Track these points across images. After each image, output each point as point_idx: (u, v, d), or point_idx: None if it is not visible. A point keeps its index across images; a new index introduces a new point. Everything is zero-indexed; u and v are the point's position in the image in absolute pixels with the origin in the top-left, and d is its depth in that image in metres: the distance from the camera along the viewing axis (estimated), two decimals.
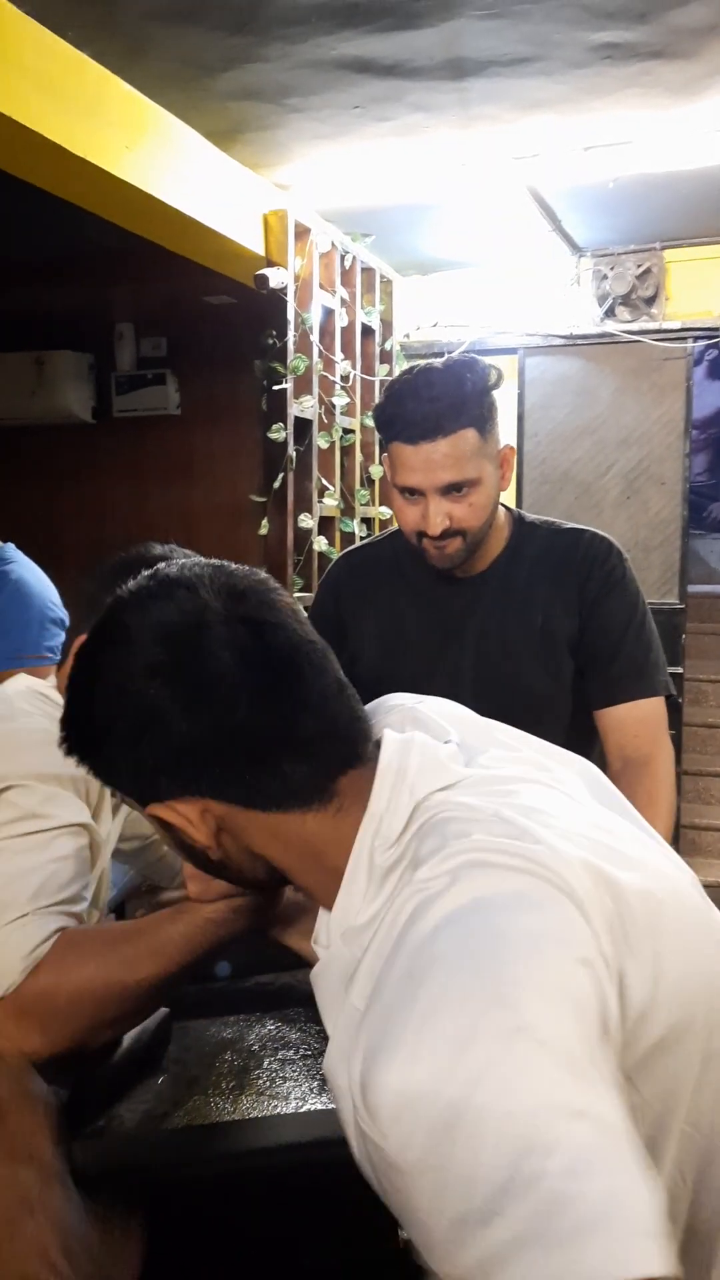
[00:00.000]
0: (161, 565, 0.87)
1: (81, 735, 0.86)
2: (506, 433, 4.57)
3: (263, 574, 0.87)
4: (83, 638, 1.41)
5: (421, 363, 1.77)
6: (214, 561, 0.87)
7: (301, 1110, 1.21)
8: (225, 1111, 1.21)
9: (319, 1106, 1.20)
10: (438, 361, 1.75)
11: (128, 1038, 1.26)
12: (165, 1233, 0.95)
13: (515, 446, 4.65)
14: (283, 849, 0.83)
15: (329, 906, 0.82)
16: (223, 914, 1.07)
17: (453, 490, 1.69)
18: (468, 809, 0.78)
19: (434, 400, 1.66)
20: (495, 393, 1.73)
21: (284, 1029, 1.40)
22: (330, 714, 0.82)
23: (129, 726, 0.80)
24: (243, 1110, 1.21)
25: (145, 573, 0.86)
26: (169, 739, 0.79)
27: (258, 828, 0.82)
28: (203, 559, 0.89)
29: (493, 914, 0.68)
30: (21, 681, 1.38)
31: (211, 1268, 0.96)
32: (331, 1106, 1.19)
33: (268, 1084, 1.26)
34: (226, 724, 0.78)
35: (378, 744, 0.85)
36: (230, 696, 0.78)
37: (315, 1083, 1.26)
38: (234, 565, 0.86)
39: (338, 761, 0.82)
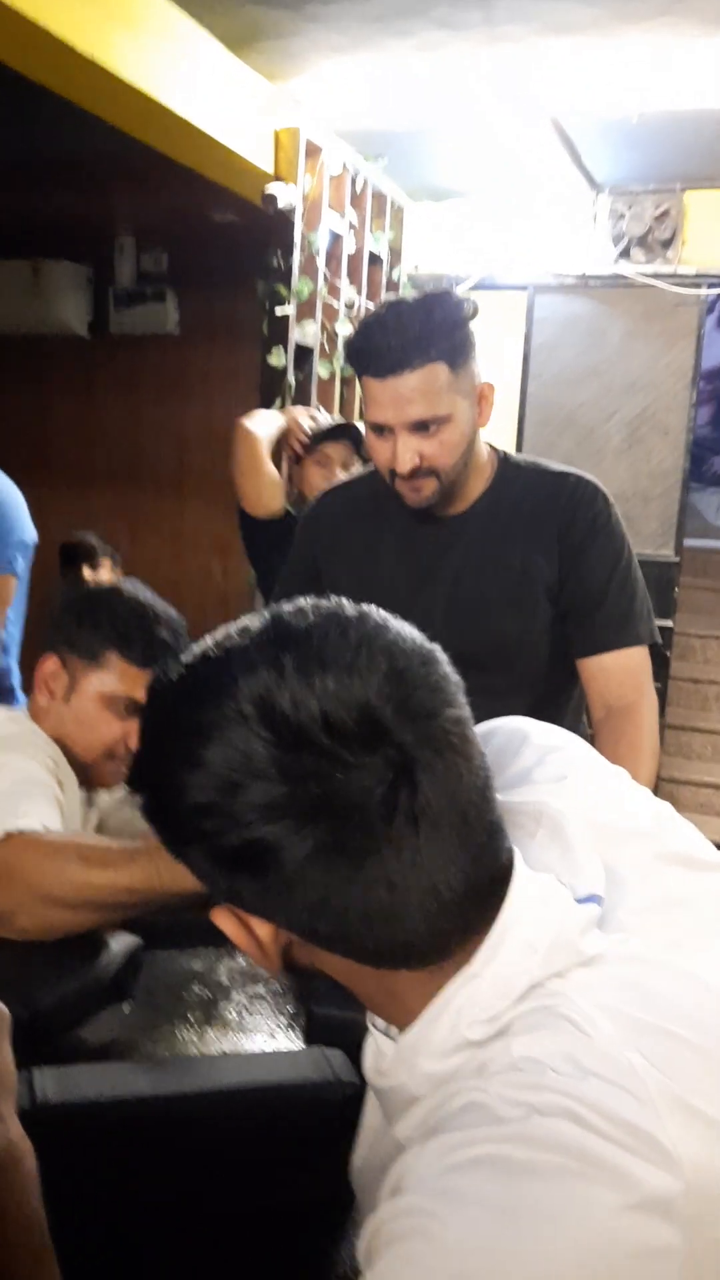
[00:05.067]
0: (325, 638, 0.66)
1: (161, 809, 0.70)
2: (510, 372, 4.53)
3: (440, 670, 0.68)
4: (52, 660, 1.49)
5: (394, 295, 1.72)
6: (387, 648, 0.66)
7: (268, 1051, 1.19)
8: (191, 1043, 1.20)
9: (285, 1046, 1.19)
10: (410, 294, 1.70)
11: (95, 963, 1.24)
12: (117, 1163, 0.94)
13: (520, 385, 4.62)
14: (359, 984, 0.72)
15: (394, 1024, 0.73)
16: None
17: (422, 427, 1.64)
18: (589, 1023, 0.64)
19: (401, 333, 1.61)
20: (472, 326, 1.67)
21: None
22: (474, 876, 0.66)
23: (229, 851, 0.65)
24: (209, 1042, 1.20)
25: (299, 645, 0.65)
26: (271, 878, 0.65)
27: (337, 965, 0.71)
28: (377, 625, 0.67)
29: (536, 1199, 0.57)
30: None
31: (157, 1203, 0.95)
32: (296, 1049, 1.18)
33: (236, 1018, 1.25)
34: (351, 880, 0.64)
35: (506, 873, 0.69)
36: (365, 850, 0.63)
37: (283, 1019, 1.25)
38: (408, 648, 0.67)
39: (462, 928, 0.68)
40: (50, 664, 1.51)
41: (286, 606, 0.69)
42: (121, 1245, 0.93)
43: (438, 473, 1.68)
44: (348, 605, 0.69)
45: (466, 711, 0.68)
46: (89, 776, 1.49)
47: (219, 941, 1.40)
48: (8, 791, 1.28)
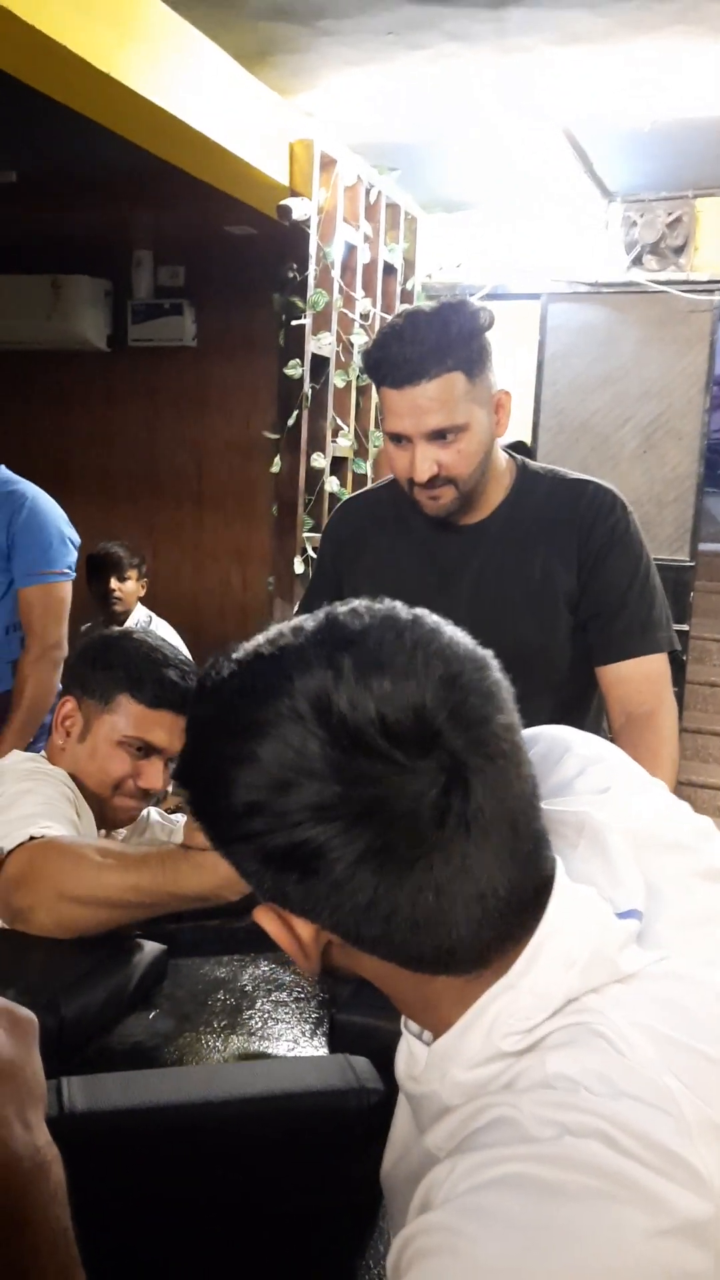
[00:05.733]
0: (381, 641, 0.65)
1: (202, 807, 0.70)
2: (524, 380, 4.54)
3: (493, 677, 0.68)
4: (68, 702, 1.57)
5: (410, 306, 1.73)
6: (442, 652, 0.66)
7: (291, 1055, 1.21)
8: (215, 1050, 1.21)
9: (309, 1053, 1.20)
10: (426, 304, 1.71)
11: (121, 971, 1.26)
12: (143, 1170, 0.96)
13: (535, 393, 4.63)
14: (395, 988, 0.72)
15: (429, 1029, 0.73)
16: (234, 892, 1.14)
17: (440, 436, 1.66)
18: (625, 1042, 0.64)
19: (419, 343, 1.62)
20: (489, 335, 1.69)
21: (278, 970, 1.40)
22: (519, 885, 0.66)
23: (277, 850, 0.65)
24: (233, 1049, 1.21)
25: (356, 646, 0.65)
26: (318, 879, 0.64)
27: (376, 968, 0.70)
28: (426, 628, 0.68)
29: (565, 1224, 0.57)
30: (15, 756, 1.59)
31: (182, 1210, 0.96)
32: (320, 1055, 1.19)
33: (260, 1025, 1.26)
34: (399, 884, 0.63)
35: (549, 883, 0.69)
36: (415, 854, 0.63)
37: (307, 1026, 1.26)
38: (461, 653, 0.67)
39: (503, 937, 0.67)
40: (66, 706, 1.59)
41: (341, 607, 0.69)
42: (147, 1252, 0.94)
43: (456, 481, 1.70)
44: (401, 608, 0.69)
45: (517, 718, 0.68)
46: (103, 814, 1.56)
47: (243, 949, 1.42)
48: (33, 812, 1.36)
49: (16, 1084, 0.72)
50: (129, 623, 3.83)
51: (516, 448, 2.87)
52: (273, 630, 0.70)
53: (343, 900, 0.65)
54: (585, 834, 0.75)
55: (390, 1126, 0.85)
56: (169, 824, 1.76)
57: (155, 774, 1.56)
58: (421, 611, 0.69)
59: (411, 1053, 0.75)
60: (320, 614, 0.69)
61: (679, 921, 0.73)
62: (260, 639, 0.70)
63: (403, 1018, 0.76)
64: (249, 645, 0.70)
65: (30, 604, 2.67)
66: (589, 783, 0.82)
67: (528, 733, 0.81)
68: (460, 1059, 0.68)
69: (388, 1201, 0.85)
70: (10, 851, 1.28)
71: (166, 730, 1.56)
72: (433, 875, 0.63)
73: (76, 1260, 0.71)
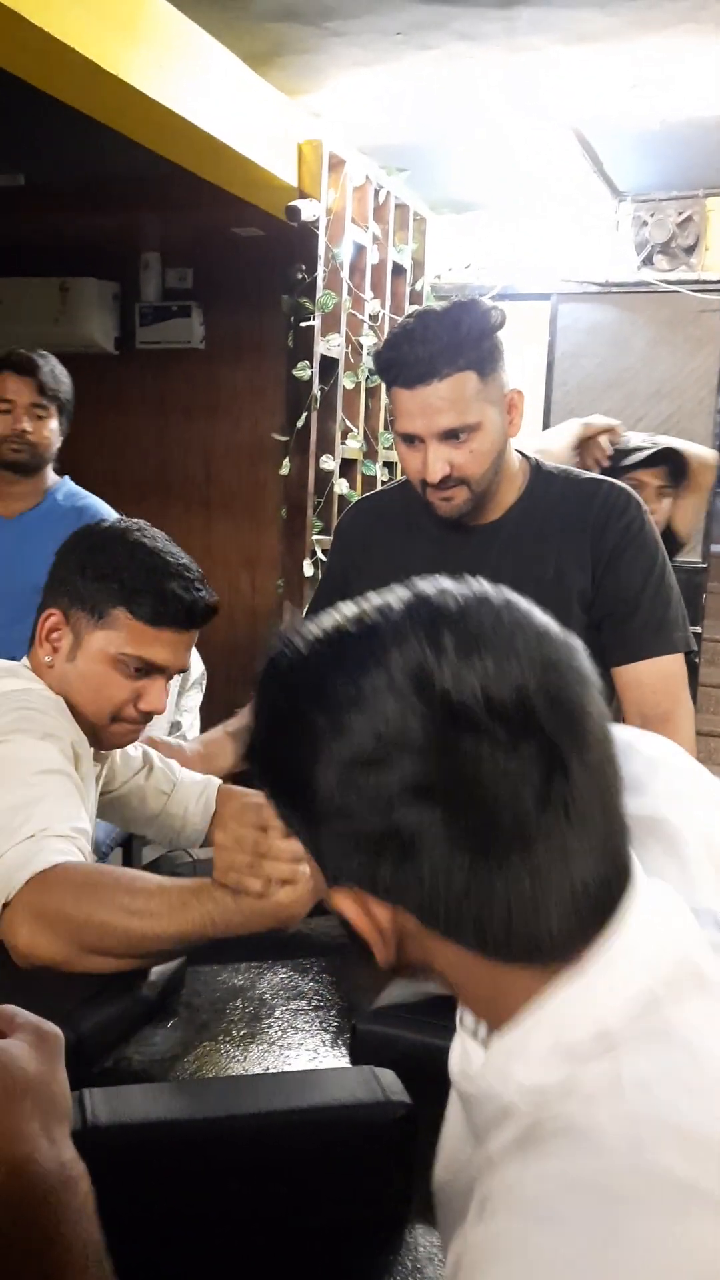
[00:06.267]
0: (481, 620, 0.64)
1: (287, 788, 0.68)
2: (534, 381, 4.52)
3: (585, 664, 0.67)
4: (54, 615, 1.40)
5: (421, 306, 1.72)
6: (540, 635, 0.65)
7: (311, 1067, 1.19)
8: (235, 1059, 1.20)
9: (329, 1062, 1.19)
10: (438, 304, 1.70)
11: (140, 980, 1.25)
12: (166, 1184, 0.94)
13: (545, 394, 4.61)
14: (466, 978, 0.69)
15: (492, 1024, 0.69)
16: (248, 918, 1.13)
17: (452, 436, 1.65)
18: (705, 1052, 0.61)
19: (430, 343, 1.62)
20: (500, 335, 1.68)
21: (296, 978, 1.38)
22: (607, 876, 0.64)
23: (370, 831, 0.62)
24: (253, 1059, 1.20)
25: (457, 624, 0.63)
26: (413, 863, 0.62)
27: (451, 956, 0.67)
28: (522, 614, 0.66)
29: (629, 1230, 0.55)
30: None
31: (205, 1224, 0.95)
32: (343, 1065, 1.18)
33: (279, 1034, 1.25)
34: (498, 868, 0.61)
35: (629, 878, 0.67)
36: (514, 837, 0.61)
37: (328, 1035, 1.25)
38: (557, 638, 0.66)
39: (584, 928, 0.64)
40: (52, 619, 1.41)
41: (428, 587, 0.67)
42: (169, 1265, 0.93)
43: (468, 482, 1.69)
44: (491, 589, 0.67)
45: (606, 707, 0.67)
46: (98, 737, 1.42)
47: (261, 956, 1.41)
48: (36, 828, 1.20)
49: (43, 1099, 0.71)
50: None
51: (665, 456, 2.76)
52: (349, 609, 0.68)
53: (437, 884, 0.62)
54: (658, 836, 0.73)
55: (438, 1136, 0.82)
56: (171, 773, 1.61)
57: (158, 694, 1.39)
58: (512, 595, 0.67)
59: (466, 1051, 0.72)
60: (405, 593, 0.67)
61: None
62: (337, 616, 0.68)
63: (458, 1015, 0.73)
64: (325, 623, 0.68)
65: None
66: (659, 784, 0.79)
67: None
68: (526, 1056, 0.65)
69: (440, 1213, 0.83)
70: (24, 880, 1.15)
71: (169, 648, 1.38)
72: (532, 860, 0.61)
73: (109, 1276, 0.69)
